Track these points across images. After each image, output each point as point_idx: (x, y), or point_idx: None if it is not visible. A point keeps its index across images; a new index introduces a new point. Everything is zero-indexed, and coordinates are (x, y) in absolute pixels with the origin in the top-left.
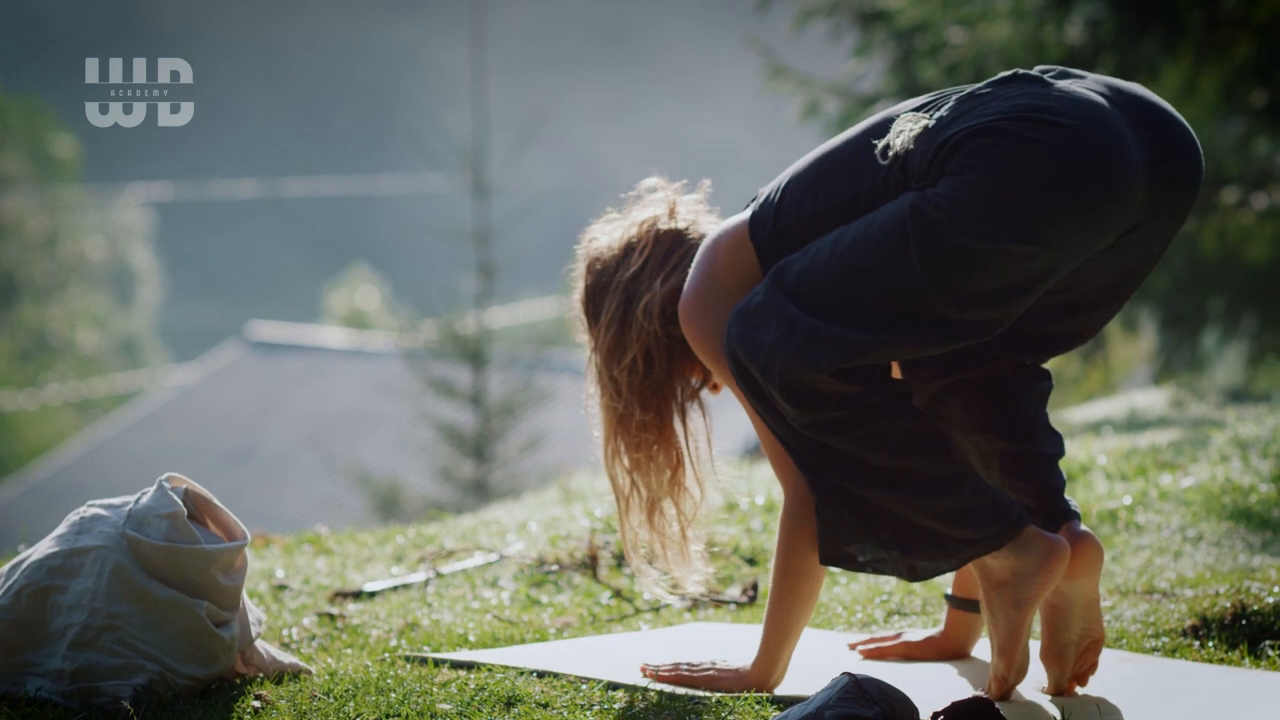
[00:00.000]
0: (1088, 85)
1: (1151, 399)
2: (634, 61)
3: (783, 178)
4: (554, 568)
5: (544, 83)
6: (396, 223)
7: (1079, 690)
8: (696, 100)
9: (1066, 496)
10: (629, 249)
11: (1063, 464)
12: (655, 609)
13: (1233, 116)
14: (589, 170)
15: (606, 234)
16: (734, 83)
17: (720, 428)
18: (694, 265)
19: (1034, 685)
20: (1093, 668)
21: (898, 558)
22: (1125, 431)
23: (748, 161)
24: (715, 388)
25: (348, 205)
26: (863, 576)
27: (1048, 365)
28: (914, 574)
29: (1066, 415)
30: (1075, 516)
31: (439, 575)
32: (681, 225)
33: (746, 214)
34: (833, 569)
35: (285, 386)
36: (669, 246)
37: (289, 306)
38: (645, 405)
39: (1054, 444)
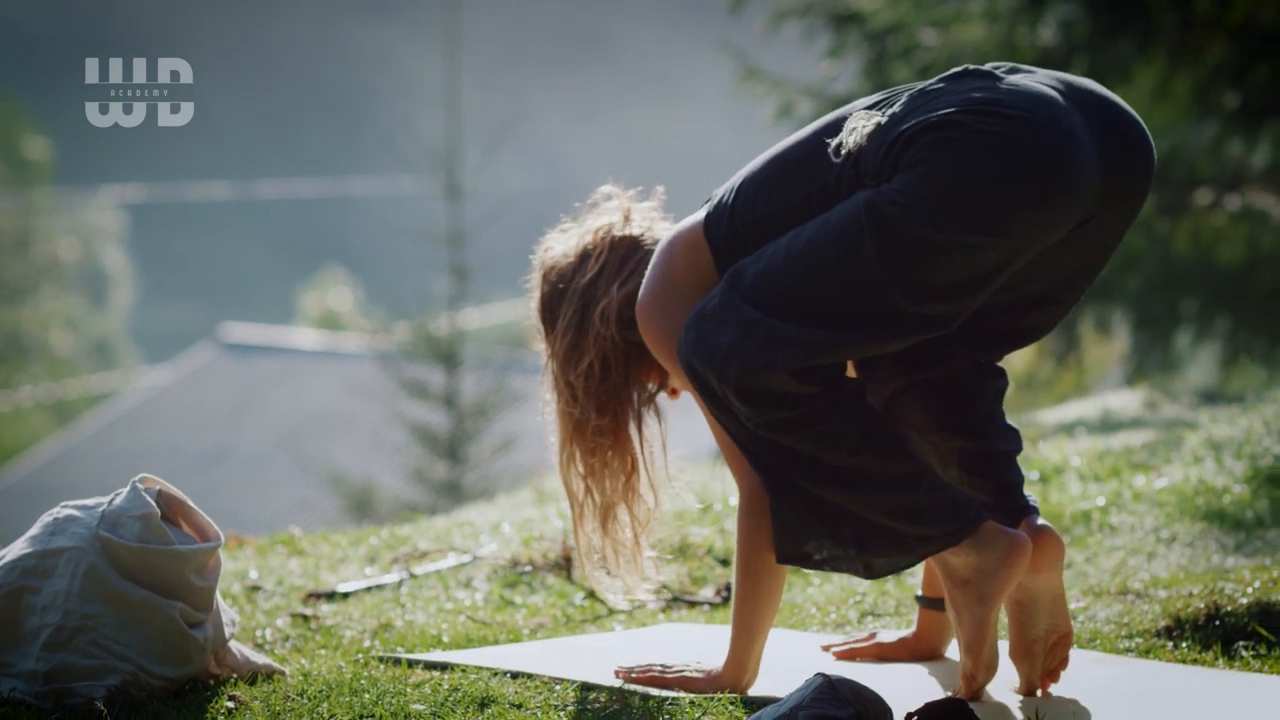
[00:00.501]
0: (1039, 80)
1: (1125, 400)
2: (607, 64)
3: (736, 178)
4: (527, 569)
5: (517, 86)
6: (369, 225)
7: (1052, 687)
8: (669, 103)
9: (1025, 492)
10: (585, 256)
11: (1036, 465)
12: (630, 610)
13: (1206, 118)
14: (562, 173)
15: (562, 242)
16: (707, 85)
17: (691, 432)
18: (650, 267)
19: (1008, 686)
20: (1064, 663)
21: (854, 555)
22: (1099, 433)
23: (721, 164)
24: (674, 392)
25: (321, 207)
26: (836, 577)
27: (1022, 363)
28: (871, 571)
29: (1040, 417)
30: (1034, 511)
31: (412, 576)
32: (637, 231)
33: (701, 215)
34: (796, 568)
35: (258, 388)
36: (625, 252)
37: (262, 308)
38: (602, 410)
39: (1011, 440)
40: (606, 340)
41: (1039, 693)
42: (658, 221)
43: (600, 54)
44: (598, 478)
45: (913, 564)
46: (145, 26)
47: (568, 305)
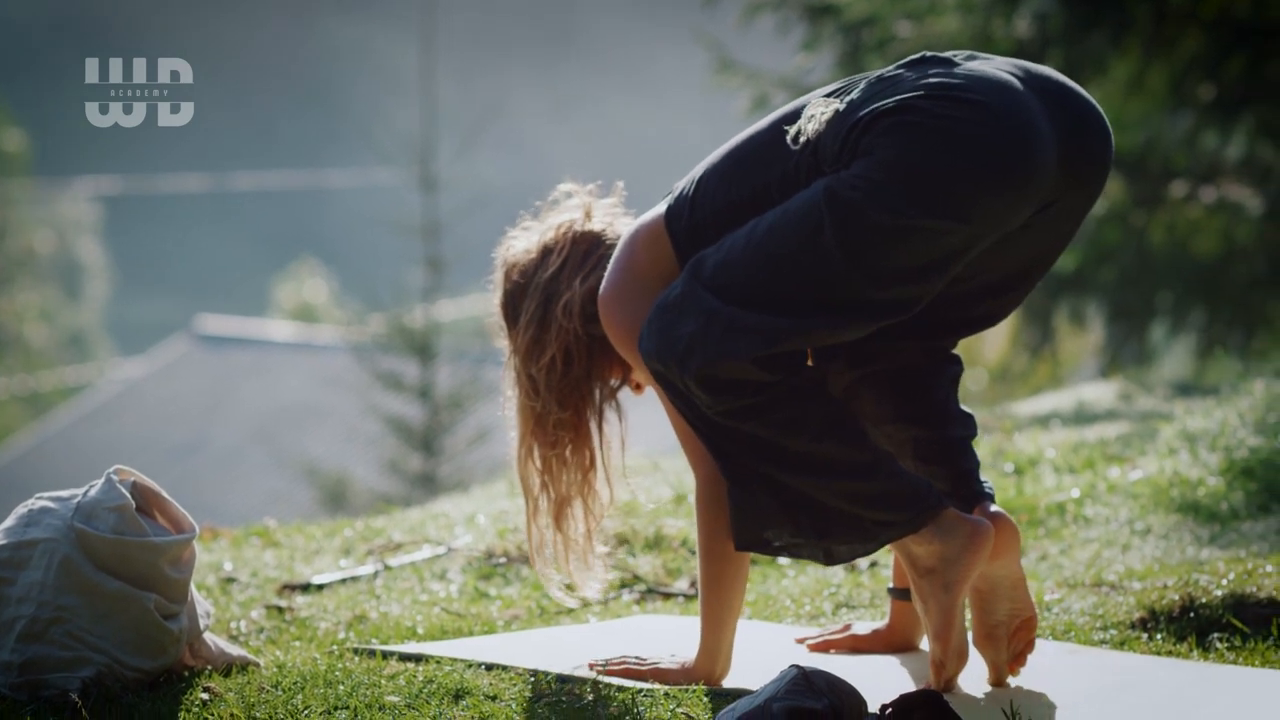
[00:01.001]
0: (997, 65)
1: (1099, 392)
2: (581, 57)
3: (697, 170)
4: (502, 560)
5: (492, 78)
6: (344, 217)
7: (1025, 679)
8: (644, 95)
9: (982, 478)
10: (547, 251)
11: (1010, 457)
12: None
13: (1181, 110)
14: (537, 165)
15: (523, 239)
16: (682, 77)
17: (656, 427)
18: (612, 260)
19: (981, 678)
20: (1030, 645)
21: (814, 542)
22: (1073, 425)
23: (696, 156)
24: (639, 387)
25: (296, 199)
26: (811, 569)
27: (997, 356)
28: (830, 558)
29: (1014, 408)
30: (990, 498)
31: (387, 568)
32: (598, 227)
33: (662, 208)
34: (764, 557)
35: (233, 380)
36: (587, 247)
37: (237, 300)
38: (563, 404)
39: (966, 427)
40: (569, 334)
41: (1010, 681)
42: (619, 217)
43: (575, 46)
44: (555, 472)
45: (872, 551)
46: (119, 19)
47: (530, 300)
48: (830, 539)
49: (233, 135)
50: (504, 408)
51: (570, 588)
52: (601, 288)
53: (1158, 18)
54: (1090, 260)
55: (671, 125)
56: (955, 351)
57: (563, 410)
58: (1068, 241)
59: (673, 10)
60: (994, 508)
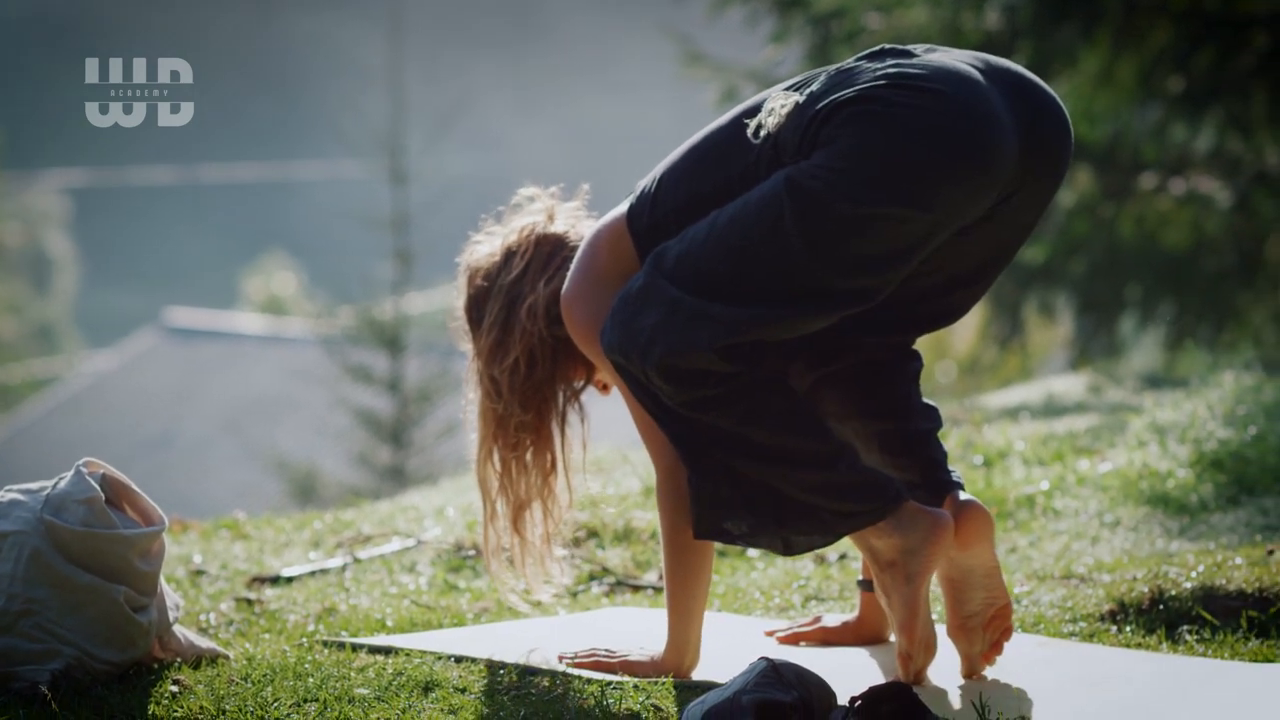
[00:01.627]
0: (957, 57)
1: (1069, 384)
2: (551, 50)
3: (659, 169)
4: (471, 553)
5: (460, 70)
6: (313, 209)
7: (995, 671)
8: (613, 87)
9: (950, 467)
10: (510, 254)
11: (980, 449)
12: (573, 593)
13: (1150, 102)
14: (506, 157)
15: (486, 243)
16: (651, 71)
17: (626, 422)
18: (575, 260)
19: (953, 669)
20: (1006, 633)
21: (773, 531)
22: (1043, 417)
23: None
24: (605, 388)
25: (264, 192)
26: (781, 561)
27: (966, 348)
28: (789, 548)
29: (984, 401)
30: (959, 487)
31: (356, 560)
32: (561, 229)
33: (624, 207)
34: (723, 546)
35: (202, 373)
36: (550, 250)
37: (206, 293)
38: (525, 406)
39: (931, 418)
40: (533, 336)
41: (987, 672)
42: (582, 220)
43: (544, 40)
44: (515, 475)
45: (831, 542)
46: (85, 13)
47: (494, 303)
48: (789, 529)
49: (201, 128)
50: (465, 411)
51: (525, 592)
52: (564, 288)
53: (1127, 10)
54: (1059, 252)
55: (640, 119)
56: (915, 348)
57: (525, 413)
58: (1028, 235)
59: (642, 4)
60: (966, 496)
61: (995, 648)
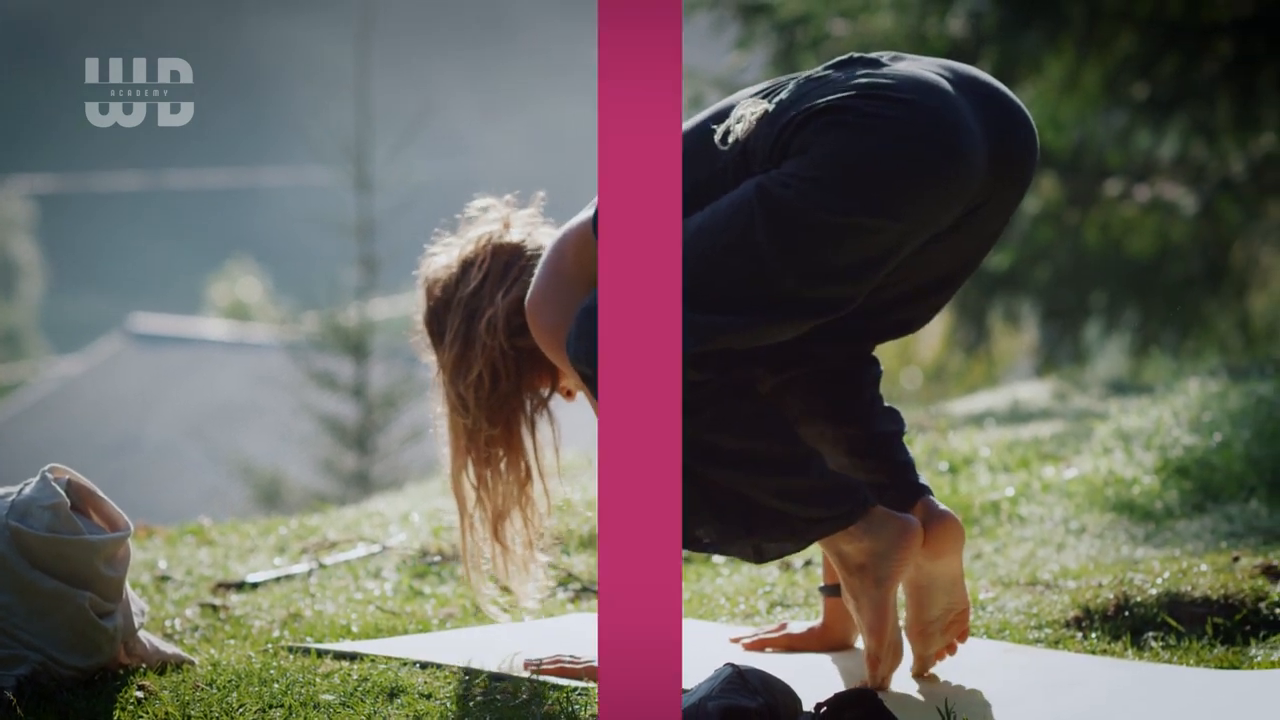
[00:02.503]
0: (924, 65)
1: (1034, 391)
2: (517, 55)
3: None
4: (437, 559)
5: (425, 74)
6: (278, 216)
7: (959, 677)
8: (578, 92)
9: (918, 472)
10: (467, 266)
11: (945, 456)
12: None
13: (1115, 109)
14: (471, 163)
15: (443, 254)
16: None
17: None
18: (540, 265)
19: (913, 673)
20: (963, 635)
21: (743, 538)
22: (1008, 423)
23: None
24: (569, 394)
25: (230, 198)
26: (745, 568)
27: (931, 354)
28: (760, 555)
29: (949, 407)
30: (929, 492)
31: (322, 566)
32: (518, 238)
33: (590, 211)
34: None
35: (167, 378)
36: (507, 259)
37: (171, 298)
38: (493, 419)
39: (895, 422)
40: (494, 350)
41: (945, 679)
42: (538, 227)
43: (508, 43)
44: (491, 486)
45: (802, 547)
46: (53, 14)
47: (453, 317)
48: (759, 536)
49: (166, 133)
50: (435, 425)
51: (507, 592)
52: (529, 292)
53: (1092, 17)
54: (1024, 259)
55: None
56: (874, 354)
57: (493, 426)
58: (994, 243)
59: None
60: (941, 507)
61: (949, 648)
